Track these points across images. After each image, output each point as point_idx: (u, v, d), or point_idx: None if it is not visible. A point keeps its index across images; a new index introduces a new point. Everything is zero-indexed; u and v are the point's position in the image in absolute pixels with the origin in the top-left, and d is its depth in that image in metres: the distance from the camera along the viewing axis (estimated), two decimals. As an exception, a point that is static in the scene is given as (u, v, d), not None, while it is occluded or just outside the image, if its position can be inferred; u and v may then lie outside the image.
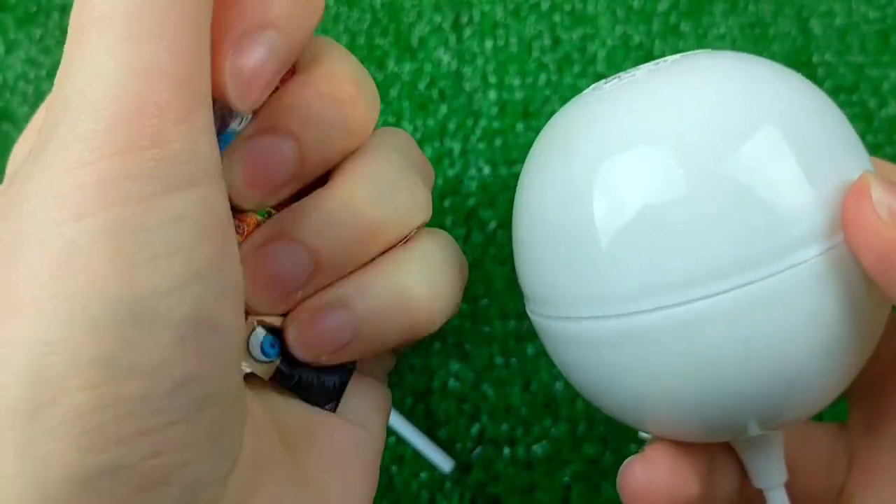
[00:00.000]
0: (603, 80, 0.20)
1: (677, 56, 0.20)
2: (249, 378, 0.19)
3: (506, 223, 0.36)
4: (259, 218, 0.20)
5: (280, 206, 0.20)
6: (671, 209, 0.16)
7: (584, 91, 0.20)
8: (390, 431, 0.32)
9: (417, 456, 0.32)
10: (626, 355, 0.17)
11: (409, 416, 0.32)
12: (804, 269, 0.16)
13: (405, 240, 0.20)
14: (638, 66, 0.20)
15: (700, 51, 0.20)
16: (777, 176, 0.16)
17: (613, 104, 0.18)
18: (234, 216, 0.18)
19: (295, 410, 0.20)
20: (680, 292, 0.16)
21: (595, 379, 0.19)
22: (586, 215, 0.17)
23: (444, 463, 0.31)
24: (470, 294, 0.35)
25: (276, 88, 0.19)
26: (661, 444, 0.20)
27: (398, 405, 0.33)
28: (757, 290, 0.16)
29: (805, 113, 0.18)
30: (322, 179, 0.20)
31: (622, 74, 0.20)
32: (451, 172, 0.37)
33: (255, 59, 0.17)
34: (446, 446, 0.32)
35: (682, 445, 0.20)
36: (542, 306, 0.19)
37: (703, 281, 0.16)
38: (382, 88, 0.39)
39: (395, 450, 0.32)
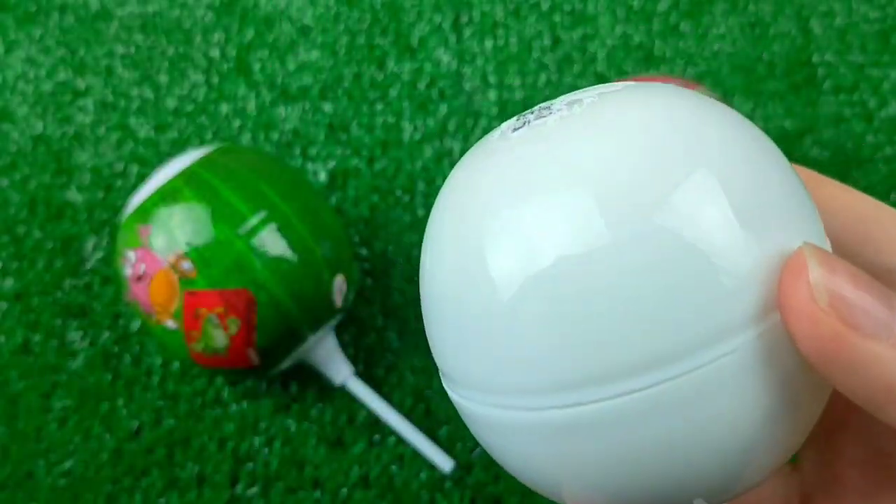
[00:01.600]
0: (514, 119, 0.17)
1: (602, 90, 0.17)
2: None
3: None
4: None
5: None
6: (581, 297, 0.14)
7: (491, 135, 0.18)
8: (390, 431, 0.32)
9: (417, 456, 0.32)
10: (542, 447, 0.16)
11: (409, 416, 0.32)
12: (738, 356, 0.14)
13: None
14: (554, 101, 0.17)
15: (630, 86, 0.17)
16: (709, 249, 0.14)
17: (517, 157, 0.16)
18: None
19: None
20: (594, 389, 0.14)
21: (512, 462, 0.17)
22: (487, 302, 0.15)
23: (444, 463, 0.31)
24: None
25: None
26: None
27: (398, 405, 0.33)
28: (686, 381, 0.14)
29: (743, 166, 0.15)
30: None
31: (536, 112, 0.17)
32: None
33: None
34: (446, 446, 0.32)
35: None
36: (451, 383, 0.17)
37: (621, 377, 0.14)
38: (382, 88, 0.39)
39: (395, 450, 0.32)
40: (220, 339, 0.28)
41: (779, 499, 0.21)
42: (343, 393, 0.33)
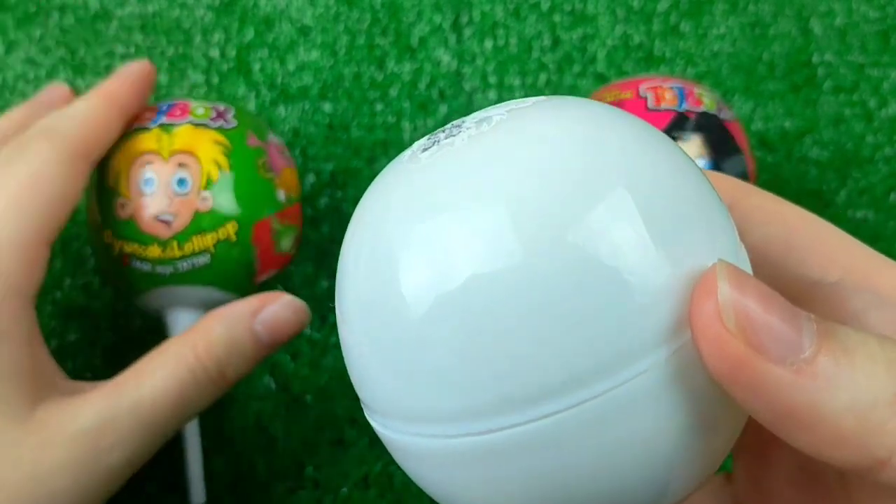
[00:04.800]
0: (424, 139, 0.17)
1: (512, 106, 0.17)
2: None
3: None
4: None
5: None
6: (490, 317, 0.14)
7: (402, 156, 0.17)
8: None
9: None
10: (461, 473, 0.15)
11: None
12: (652, 375, 0.14)
13: None
14: (465, 119, 0.17)
15: (541, 101, 0.17)
16: (620, 267, 0.14)
17: (426, 175, 0.16)
18: None
19: None
20: (508, 414, 0.14)
21: (433, 488, 0.17)
22: (398, 323, 0.15)
23: (196, 495, 0.29)
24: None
25: None
26: None
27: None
28: (601, 402, 0.14)
29: (657, 182, 0.15)
30: None
31: (447, 131, 0.17)
32: (451, 172, 0.37)
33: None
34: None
35: None
36: (366, 408, 0.17)
37: (535, 400, 0.14)
38: (382, 88, 0.39)
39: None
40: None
41: None
42: (343, 394, 0.33)
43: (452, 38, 0.40)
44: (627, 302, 0.14)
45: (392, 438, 0.16)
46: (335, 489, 0.32)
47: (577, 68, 0.39)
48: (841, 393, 0.13)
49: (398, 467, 0.32)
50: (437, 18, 0.40)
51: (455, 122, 0.17)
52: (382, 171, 0.17)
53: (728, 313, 0.13)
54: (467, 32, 0.40)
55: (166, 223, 0.27)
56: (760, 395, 0.13)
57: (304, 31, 0.40)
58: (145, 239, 0.28)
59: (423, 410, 0.15)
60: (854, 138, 0.38)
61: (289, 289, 0.34)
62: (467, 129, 0.16)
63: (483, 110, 0.17)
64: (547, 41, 0.40)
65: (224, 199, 0.28)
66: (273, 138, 0.31)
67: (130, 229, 0.28)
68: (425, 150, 0.16)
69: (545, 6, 0.41)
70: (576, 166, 0.15)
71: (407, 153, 0.17)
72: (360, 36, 0.40)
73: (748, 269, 0.16)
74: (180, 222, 0.28)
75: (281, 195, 0.30)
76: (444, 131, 0.17)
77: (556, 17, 0.40)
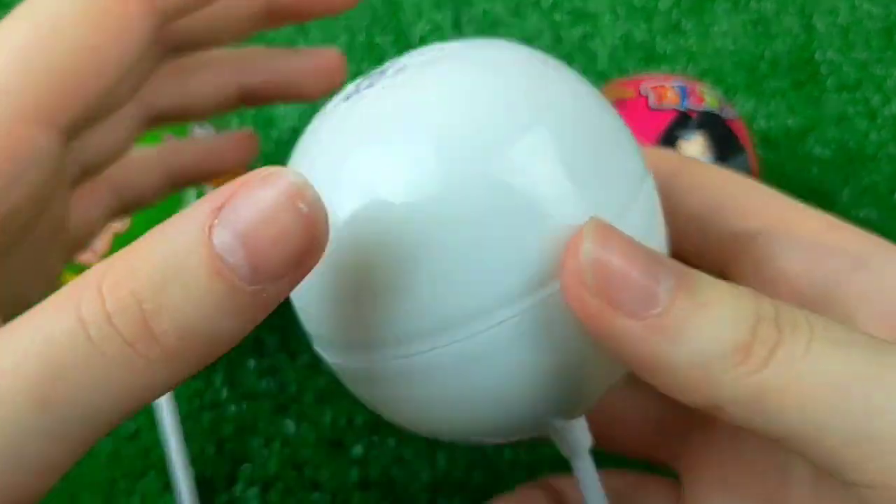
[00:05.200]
0: (349, 87, 0.18)
1: (430, 52, 0.18)
2: None
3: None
4: None
5: None
6: (398, 250, 0.15)
7: (327, 105, 0.18)
8: (390, 432, 0.32)
9: (418, 457, 0.32)
10: (380, 390, 0.17)
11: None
12: (542, 307, 0.15)
13: None
14: (385, 66, 0.18)
15: (461, 44, 0.18)
16: (531, 203, 0.15)
17: (352, 113, 0.17)
18: None
19: None
20: (429, 338, 0.15)
21: (381, 406, 0.18)
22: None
23: None
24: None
25: None
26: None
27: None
28: (506, 327, 0.15)
29: (575, 126, 0.16)
30: None
31: (368, 79, 0.18)
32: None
33: None
34: (446, 446, 0.32)
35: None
36: (310, 338, 0.18)
37: (442, 329, 0.15)
38: (382, 87, 0.39)
39: (396, 451, 0.32)
40: None
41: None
42: (343, 394, 0.33)
43: (453, 37, 0.40)
44: (534, 235, 0.15)
45: (331, 363, 0.18)
46: (334, 490, 0.32)
47: (578, 66, 0.39)
48: (685, 346, 0.13)
49: (398, 469, 0.32)
50: (438, 16, 0.40)
51: (375, 71, 0.18)
52: (310, 124, 0.19)
53: (587, 271, 0.14)
54: (468, 30, 0.40)
55: (91, 250, 0.28)
56: (616, 347, 0.14)
57: (303, 29, 0.40)
58: (75, 268, 0.28)
59: (350, 339, 0.16)
60: (857, 136, 0.38)
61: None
62: (390, 75, 0.17)
63: (397, 60, 0.18)
64: (548, 39, 0.40)
65: (141, 220, 0.28)
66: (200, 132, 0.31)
67: None
68: (349, 97, 0.17)
69: (546, 4, 0.40)
70: (485, 104, 0.15)
71: (329, 104, 0.18)
72: (361, 34, 0.40)
73: (652, 204, 0.17)
74: (102, 246, 0.28)
75: None
76: (366, 79, 0.18)
77: (557, 16, 0.40)
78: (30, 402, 0.13)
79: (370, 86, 0.17)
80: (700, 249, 0.20)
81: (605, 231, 0.14)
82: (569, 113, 0.16)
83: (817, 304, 0.17)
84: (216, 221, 0.12)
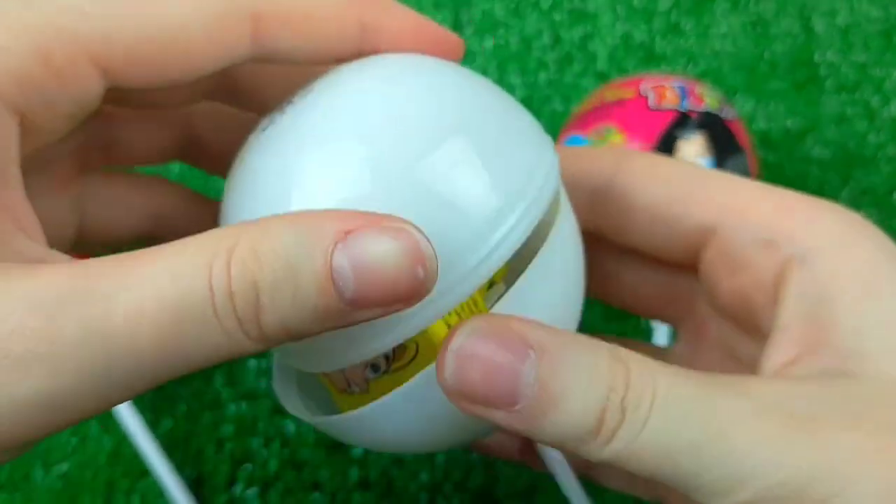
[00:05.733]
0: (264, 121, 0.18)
1: (338, 71, 0.18)
2: None
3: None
4: None
5: None
6: None
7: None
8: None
9: (417, 458, 0.32)
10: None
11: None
12: None
13: None
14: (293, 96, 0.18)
15: (369, 60, 0.18)
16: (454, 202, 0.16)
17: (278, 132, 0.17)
18: None
19: None
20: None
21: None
22: None
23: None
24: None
25: None
26: None
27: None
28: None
29: (485, 130, 0.17)
30: None
31: (280, 108, 0.18)
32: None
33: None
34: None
35: None
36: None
37: None
38: (382, 87, 0.39)
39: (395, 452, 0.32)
40: None
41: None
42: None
43: (452, 37, 0.40)
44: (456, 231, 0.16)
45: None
46: (334, 491, 0.32)
47: (577, 67, 0.39)
48: (546, 430, 0.15)
49: (398, 469, 0.32)
50: (438, 17, 0.40)
51: (284, 102, 0.18)
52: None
53: (450, 367, 0.15)
54: (468, 31, 0.40)
55: None
56: (488, 420, 0.16)
57: (303, 29, 0.40)
58: None
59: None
60: (856, 138, 0.38)
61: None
62: (296, 102, 0.18)
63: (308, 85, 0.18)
64: (547, 39, 0.40)
65: None
66: None
67: None
68: (264, 129, 0.18)
69: (546, 5, 0.40)
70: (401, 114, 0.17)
71: (250, 137, 0.19)
72: (360, 34, 0.40)
73: (558, 187, 0.18)
74: None
75: None
76: (279, 111, 0.18)
77: (557, 16, 0.40)
78: (151, 344, 0.14)
79: (282, 113, 0.18)
80: (668, 244, 0.21)
81: (476, 328, 0.15)
82: (475, 112, 0.17)
83: (768, 297, 0.19)
84: (340, 245, 0.14)
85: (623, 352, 0.16)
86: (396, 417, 0.17)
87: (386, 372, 0.18)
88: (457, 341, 0.15)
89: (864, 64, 0.39)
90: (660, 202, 0.20)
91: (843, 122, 0.38)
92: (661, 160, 0.21)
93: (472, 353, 0.15)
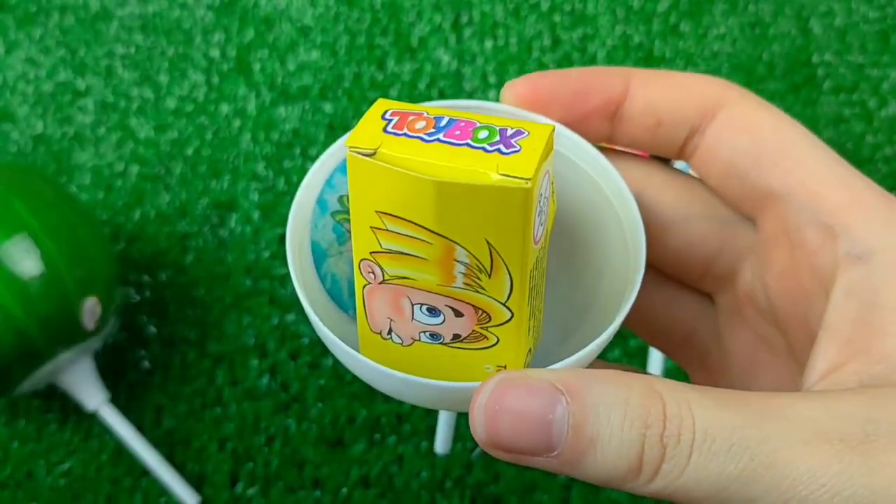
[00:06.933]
0: None
1: None
2: None
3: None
4: None
5: None
6: None
7: None
8: (389, 431, 0.32)
9: (417, 456, 0.32)
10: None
11: (411, 414, 0.32)
12: None
13: None
14: None
15: None
16: None
17: None
18: None
19: None
20: None
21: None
22: None
23: (189, 498, 0.31)
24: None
25: None
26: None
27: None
28: None
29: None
30: None
31: None
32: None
33: None
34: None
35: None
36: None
37: None
38: (383, 88, 0.39)
39: (395, 449, 0.32)
40: None
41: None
42: (343, 393, 0.33)
43: (452, 38, 0.40)
44: None
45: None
46: (335, 489, 0.32)
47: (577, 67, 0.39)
48: (586, 471, 0.15)
49: (398, 467, 0.32)
50: (438, 18, 0.40)
51: None
52: None
53: (479, 419, 0.16)
54: (467, 32, 0.40)
55: None
56: (525, 464, 0.16)
57: (304, 31, 0.40)
58: None
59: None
60: (854, 138, 0.38)
61: (280, 292, 0.34)
62: None
63: None
64: (547, 41, 0.40)
65: None
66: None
67: None
68: None
69: (545, 6, 0.41)
70: None
71: None
72: (361, 36, 0.40)
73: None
74: None
75: None
76: None
77: (556, 17, 0.40)
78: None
79: None
80: (737, 198, 0.20)
81: (504, 385, 0.16)
82: None
83: (814, 285, 0.18)
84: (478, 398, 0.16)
85: (657, 382, 0.16)
86: (423, 393, 0.17)
87: (445, 344, 0.18)
88: (483, 396, 0.16)
89: (862, 65, 0.39)
90: (742, 157, 0.20)
91: (841, 123, 0.38)
92: (758, 108, 0.20)
93: (500, 406, 0.15)
